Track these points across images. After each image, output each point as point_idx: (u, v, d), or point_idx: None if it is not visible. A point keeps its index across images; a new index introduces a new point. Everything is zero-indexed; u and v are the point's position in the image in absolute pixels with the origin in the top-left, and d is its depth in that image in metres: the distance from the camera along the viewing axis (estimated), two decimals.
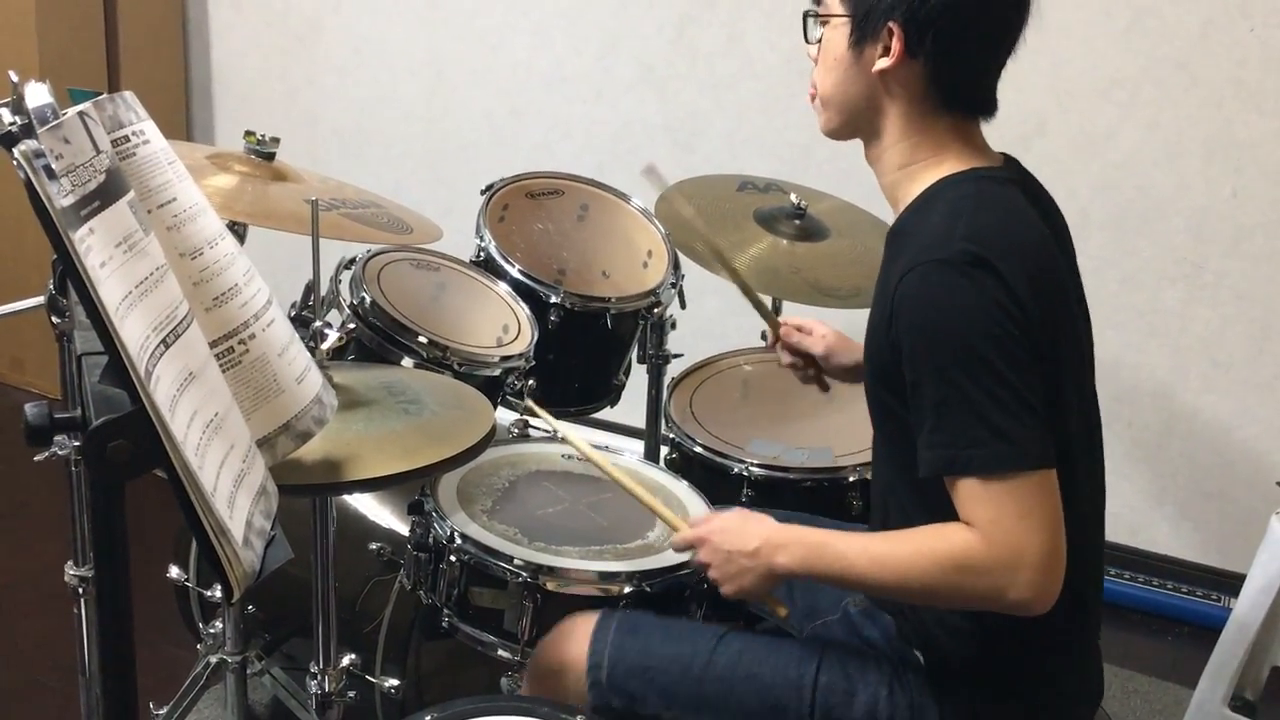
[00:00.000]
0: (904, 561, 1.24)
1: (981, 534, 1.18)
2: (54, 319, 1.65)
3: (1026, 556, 1.17)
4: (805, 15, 1.37)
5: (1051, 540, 1.18)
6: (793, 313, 2.27)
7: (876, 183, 1.40)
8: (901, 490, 1.29)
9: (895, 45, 1.27)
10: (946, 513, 1.22)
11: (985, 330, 1.17)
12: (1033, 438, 1.18)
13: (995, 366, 1.17)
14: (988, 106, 1.34)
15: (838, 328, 1.78)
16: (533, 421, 1.96)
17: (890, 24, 1.26)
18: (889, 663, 1.41)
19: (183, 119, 3.75)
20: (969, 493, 1.19)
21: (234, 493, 0.94)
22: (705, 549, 1.41)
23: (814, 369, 1.79)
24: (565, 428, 1.72)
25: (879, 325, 1.28)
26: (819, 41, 1.35)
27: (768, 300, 1.92)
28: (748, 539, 1.36)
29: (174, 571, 2.00)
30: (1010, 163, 1.37)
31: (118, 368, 0.82)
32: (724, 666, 1.40)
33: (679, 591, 1.60)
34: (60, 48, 3.27)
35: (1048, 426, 1.19)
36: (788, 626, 1.64)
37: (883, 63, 1.28)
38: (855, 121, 1.35)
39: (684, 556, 1.59)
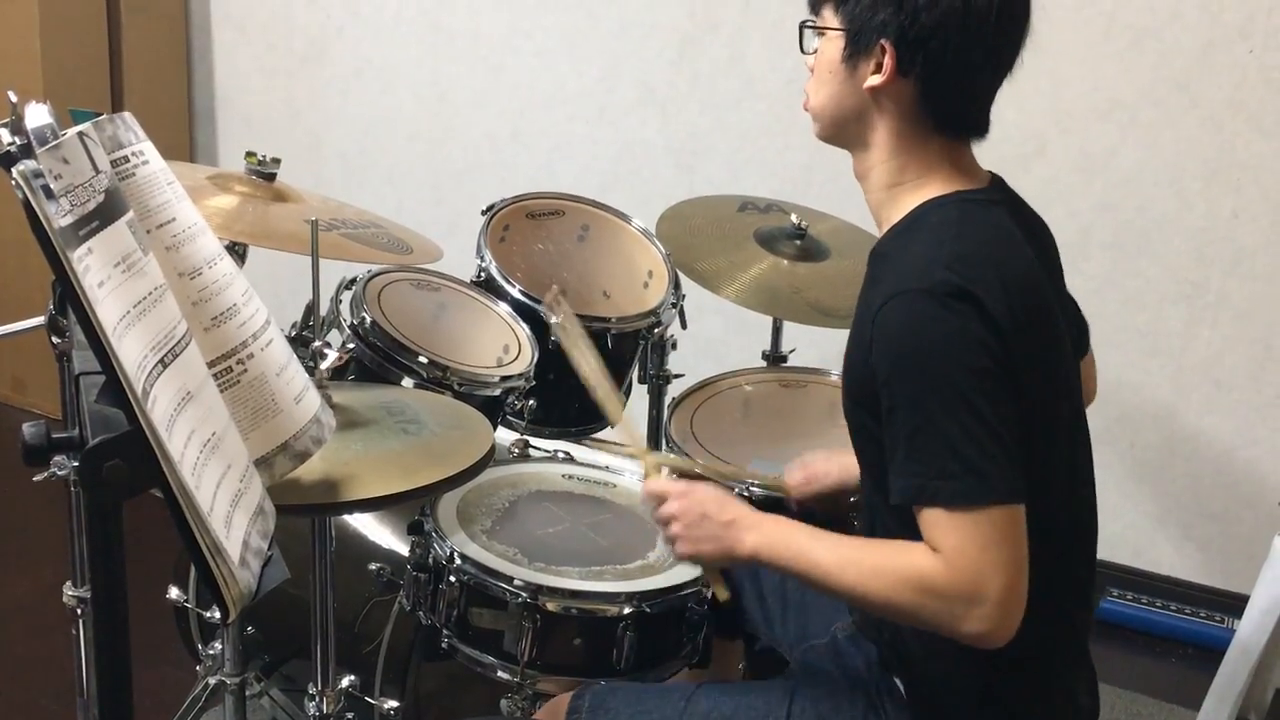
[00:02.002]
0: (868, 568, 1.23)
1: (945, 560, 1.17)
2: (54, 339, 1.66)
3: (987, 590, 1.15)
4: (802, 25, 1.37)
5: (1014, 577, 1.16)
6: (793, 332, 2.29)
7: None
8: (886, 512, 1.29)
9: (887, 63, 1.27)
10: None
11: (963, 362, 1.17)
12: (1002, 473, 1.16)
13: (970, 399, 1.16)
14: (980, 128, 1.33)
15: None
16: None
17: (882, 41, 1.26)
18: (867, 694, 1.40)
19: (186, 141, 3.76)
20: (935, 521, 1.18)
21: (231, 512, 0.94)
22: (681, 501, 1.40)
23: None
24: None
25: (859, 348, 1.27)
26: (814, 53, 1.36)
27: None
28: (726, 510, 1.36)
29: (174, 592, 1.99)
30: (996, 182, 1.36)
31: (115, 387, 0.82)
32: None
33: (679, 612, 1.59)
34: (64, 70, 3.29)
35: (1019, 462, 1.18)
36: (776, 645, 1.63)
37: (874, 79, 1.28)
38: (845, 133, 1.35)
39: (684, 577, 1.59)
